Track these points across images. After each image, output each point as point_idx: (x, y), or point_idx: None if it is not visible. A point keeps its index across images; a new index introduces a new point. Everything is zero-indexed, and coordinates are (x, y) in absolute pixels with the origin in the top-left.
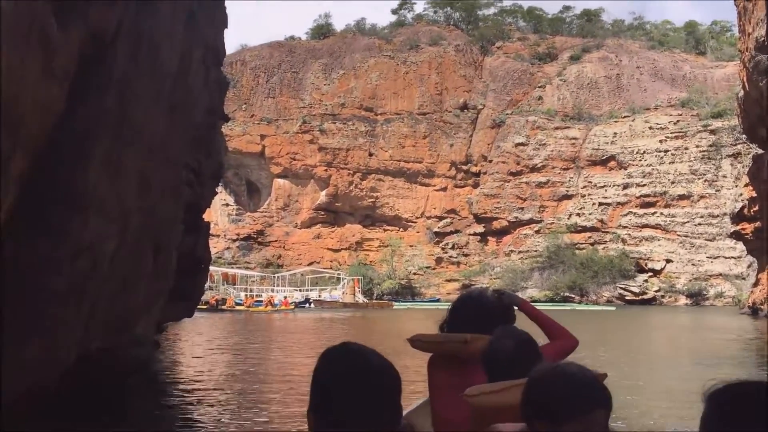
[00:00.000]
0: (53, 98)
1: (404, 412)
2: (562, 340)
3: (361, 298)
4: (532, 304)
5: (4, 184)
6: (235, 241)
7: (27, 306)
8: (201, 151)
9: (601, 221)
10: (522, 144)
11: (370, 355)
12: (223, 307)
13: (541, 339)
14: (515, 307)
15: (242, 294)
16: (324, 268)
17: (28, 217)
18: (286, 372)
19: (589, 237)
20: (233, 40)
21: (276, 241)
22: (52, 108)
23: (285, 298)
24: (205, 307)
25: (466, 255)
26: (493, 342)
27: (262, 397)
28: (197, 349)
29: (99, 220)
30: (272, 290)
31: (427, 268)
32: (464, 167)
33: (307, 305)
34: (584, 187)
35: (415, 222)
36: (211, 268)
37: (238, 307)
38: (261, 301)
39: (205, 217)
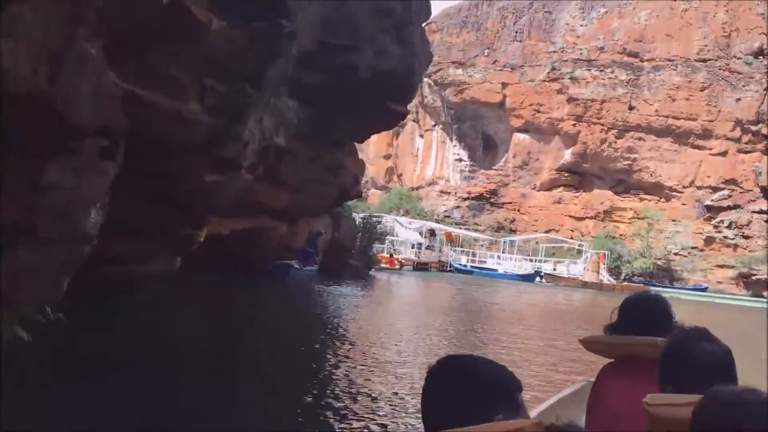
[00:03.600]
0: None
1: (555, 399)
2: None
3: (606, 277)
4: None
5: None
6: (465, 200)
7: None
8: None
9: None
10: None
11: (478, 365)
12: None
13: None
14: None
15: (463, 258)
16: (563, 238)
17: None
18: None
19: None
20: None
21: (510, 203)
22: None
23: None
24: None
25: (746, 237)
26: (688, 341)
27: None
28: None
29: None
30: (498, 256)
31: (692, 248)
32: (753, 128)
33: (537, 279)
34: None
35: (682, 192)
36: (435, 225)
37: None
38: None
39: (435, 171)
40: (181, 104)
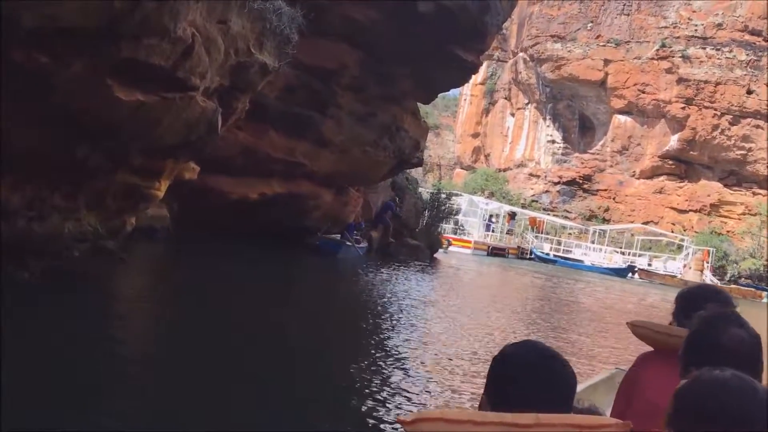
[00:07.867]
0: None
1: (585, 385)
2: None
3: (709, 278)
4: None
5: None
6: (556, 184)
7: None
8: None
9: None
10: None
11: (554, 353)
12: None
13: None
14: None
15: (545, 246)
16: (662, 231)
17: None
18: None
19: None
20: None
21: (606, 190)
22: None
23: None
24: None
25: None
26: (717, 325)
27: None
28: None
29: None
30: (586, 247)
31: None
32: None
33: (630, 275)
34: None
35: None
36: (521, 210)
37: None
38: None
39: (525, 153)
40: None
